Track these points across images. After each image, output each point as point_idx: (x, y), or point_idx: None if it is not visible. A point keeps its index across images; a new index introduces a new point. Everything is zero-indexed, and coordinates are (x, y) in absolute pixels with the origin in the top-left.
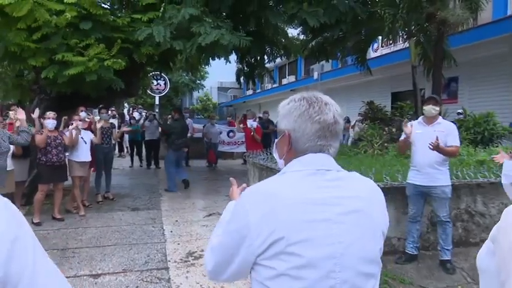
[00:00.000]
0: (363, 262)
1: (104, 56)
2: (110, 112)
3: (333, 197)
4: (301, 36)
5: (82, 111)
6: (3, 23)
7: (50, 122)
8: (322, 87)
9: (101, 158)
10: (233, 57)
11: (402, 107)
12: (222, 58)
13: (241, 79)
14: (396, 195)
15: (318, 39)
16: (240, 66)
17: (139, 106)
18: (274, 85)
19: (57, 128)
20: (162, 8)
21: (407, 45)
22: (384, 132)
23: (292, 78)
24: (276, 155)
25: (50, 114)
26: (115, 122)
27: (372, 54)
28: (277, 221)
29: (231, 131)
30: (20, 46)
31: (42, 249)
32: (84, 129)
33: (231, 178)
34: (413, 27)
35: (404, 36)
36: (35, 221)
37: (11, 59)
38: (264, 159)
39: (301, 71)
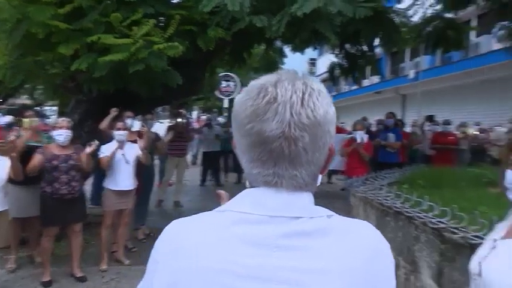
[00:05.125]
0: None
1: (155, 38)
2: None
3: (284, 269)
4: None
5: (129, 117)
6: None
7: (59, 134)
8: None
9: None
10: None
11: None
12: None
13: (335, 75)
14: None
15: (436, 22)
16: (336, 58)
17: (214, 110)
18: (354, 87)
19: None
20: None
21: None
22: None
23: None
24: None
25: (63, 122)
26: None
27: None
28: None
29: None
30: (46, 27)
31: None
32: (131, 141)
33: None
34: None
35: None
36: (43, 280)
37: (32, 46)
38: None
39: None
